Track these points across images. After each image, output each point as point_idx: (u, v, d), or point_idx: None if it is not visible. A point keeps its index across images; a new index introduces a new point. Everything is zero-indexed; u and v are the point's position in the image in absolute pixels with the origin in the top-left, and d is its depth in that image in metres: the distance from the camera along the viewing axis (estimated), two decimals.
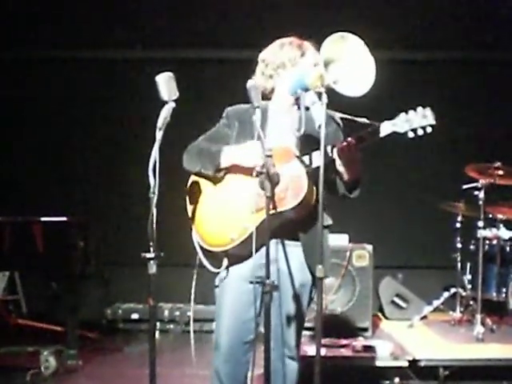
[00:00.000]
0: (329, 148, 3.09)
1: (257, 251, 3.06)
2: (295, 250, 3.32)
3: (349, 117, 3.34)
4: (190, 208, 3.48)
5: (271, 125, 3.37)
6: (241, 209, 3.28)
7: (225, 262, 3.36)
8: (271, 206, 3.02)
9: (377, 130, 3.06)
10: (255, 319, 3.26)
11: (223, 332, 3.36)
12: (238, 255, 3.30)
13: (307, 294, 3.35)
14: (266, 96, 3.43)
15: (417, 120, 3.00)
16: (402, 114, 3.02)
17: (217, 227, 3.35)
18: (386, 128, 3.04)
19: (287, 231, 3.27)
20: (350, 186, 3.27)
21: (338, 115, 3.40)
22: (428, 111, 3.02)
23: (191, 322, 3.60)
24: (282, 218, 3.18)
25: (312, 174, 3.14)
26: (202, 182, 3.46)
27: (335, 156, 3.12)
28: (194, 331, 7.02)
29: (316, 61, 3.26)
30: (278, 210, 3.13)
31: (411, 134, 3.01)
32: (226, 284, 3.38)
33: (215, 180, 3.41)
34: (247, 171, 3.24)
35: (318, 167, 2.91)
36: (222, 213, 3.34)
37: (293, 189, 3.16)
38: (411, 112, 3.01)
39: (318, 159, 3.07)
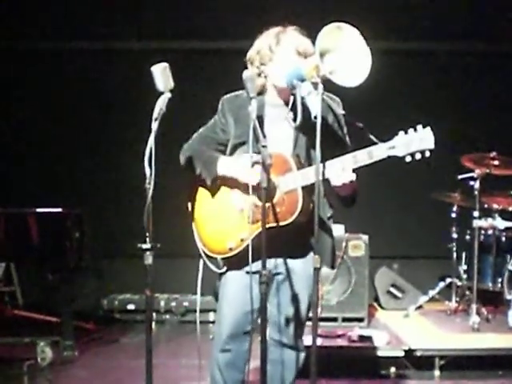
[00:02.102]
0: (321, 166, 2.98)
1: (255, 261, 3.00)
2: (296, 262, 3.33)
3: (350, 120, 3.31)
4: (191, 209, 3.46)
5: (268, 121, 3.31)
6: (238, 218, 3.27)
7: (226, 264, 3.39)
8: (268, 219, 3.02)
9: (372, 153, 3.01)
10: (255, 311, 3.24)
11: (224, 323, 3.37)
12: (237, 262, 3.29)
13: (308, 284, 3.28)
14: (262, 92, 3.36)
15: (415, 143, 2.95)
16: (401, 134, 2.98)
17: (215, 234, 3.35)
18: (382, 151, 2.99)
19: (288, 246, 3.24)
20: (346, 202, 3.26)
21: (339, 110, 3.33)
22: (428, 133, 2.96)
23: (197, 313, 3.61)
24: (281, 230, 3.14)
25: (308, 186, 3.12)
26: (202, 186, 3.43)
27: (328, 176, 3.06)
28: (190, 321, 7.04)
29: (298, 46, 3.23)
30: (274, 224, 3.12)
31: (408, 158, 2.98)
32: (229, 276, 3.38)
33: (213, 188, 3.39)
34: (244, 184, 3.22)
35: (313, 184, 2.93)
36: (221, 220, 3.33)
37: (288, 204, 3.14)
38: (411, 132, 2.97)
39: (312, 176, 3.02)
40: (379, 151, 3.00)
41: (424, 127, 2.98)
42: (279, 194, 3.15)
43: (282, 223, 3.14)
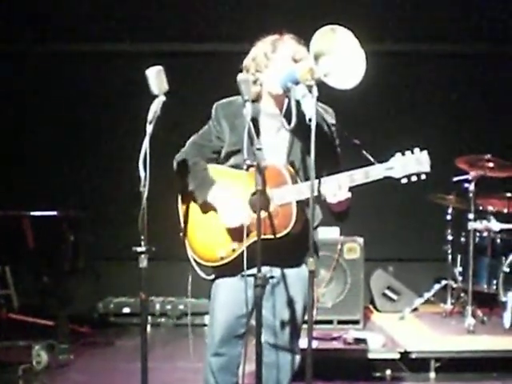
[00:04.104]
0: (316, 182, 2.99)
1: (249, 269, 3.00)
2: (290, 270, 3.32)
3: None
4: (182, 215, 3.45)
5: (263, 130, 3.28)
6: (230, 228, 3.25)
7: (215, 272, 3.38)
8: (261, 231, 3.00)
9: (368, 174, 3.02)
10: (248, 314, 3.24)
11: (216, 326, 3.36)
12: (229, 269, 3.28)
13: (303, 287, 3.28)
14: (257, 100, 3.33)
15: (412, 166, 2.96)
16: (398, 156, 2.99)
17: (206, 242, 3.33)
18: (380, 172, 3.00)
19: (282, 256, 3.22)
20: (339, 218, 3.28)
21: (330, 120, 3.33)
22: (424, 156, 2.98)
23: (189, 316, 3.60)
24: (274, 242, 3.13)
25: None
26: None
27: (323, 192, 3.06)
28: (186, 324, 7.03)
29: (294, 54, 3.22)
30: (267, 236, 3.10)
31: (404, 180, 2.99)
32: (221, 280, 3.37)
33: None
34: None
35: (307, 198, 2.92)
36: (212, 229, 3.30)
37: (282, 216, 3.13)
38: (408, 154, 2.98)
39: (306, 191, 3.02)
40: (376, 171, 3.01)
41: (421, 150, 2.99)
42: (273, 206, 3.14)
43: (275, 236, 3.13)
